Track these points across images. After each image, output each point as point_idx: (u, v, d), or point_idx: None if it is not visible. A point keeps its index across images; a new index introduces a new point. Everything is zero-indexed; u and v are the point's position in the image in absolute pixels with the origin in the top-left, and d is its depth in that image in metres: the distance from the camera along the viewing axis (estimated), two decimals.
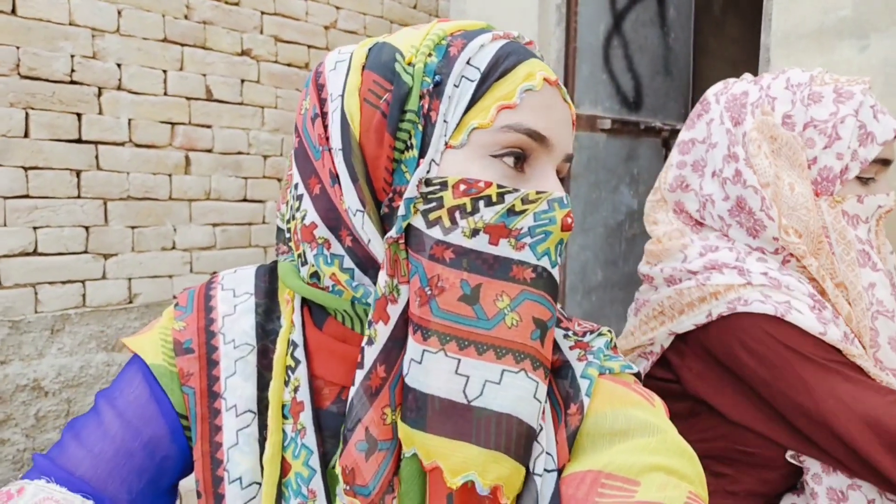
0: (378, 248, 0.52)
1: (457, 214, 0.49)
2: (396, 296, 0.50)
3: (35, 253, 1.99)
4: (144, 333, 0.61)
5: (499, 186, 0.50)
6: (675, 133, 3.05)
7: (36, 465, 0.54)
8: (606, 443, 0.50)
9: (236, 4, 2.39)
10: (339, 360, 0.55)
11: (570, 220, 0.51)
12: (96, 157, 2.09)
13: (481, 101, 0.51)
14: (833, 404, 0.78)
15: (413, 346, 0.49)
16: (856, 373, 0.82)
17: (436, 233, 0.49)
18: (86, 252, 2.09)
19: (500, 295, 0.49)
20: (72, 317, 2.08)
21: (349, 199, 0.52)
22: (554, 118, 0.53)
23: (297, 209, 0.55)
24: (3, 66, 1.89)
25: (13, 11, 1.90)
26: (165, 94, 2.23)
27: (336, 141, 0.53)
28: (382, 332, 0.50)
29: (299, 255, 0.56)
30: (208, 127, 2.34)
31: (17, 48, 1.91)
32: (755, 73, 2.03)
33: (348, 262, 0.53)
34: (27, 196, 1.96)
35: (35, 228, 1.98)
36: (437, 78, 0.52)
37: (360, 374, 0.50)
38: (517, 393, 0.47)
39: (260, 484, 0.54)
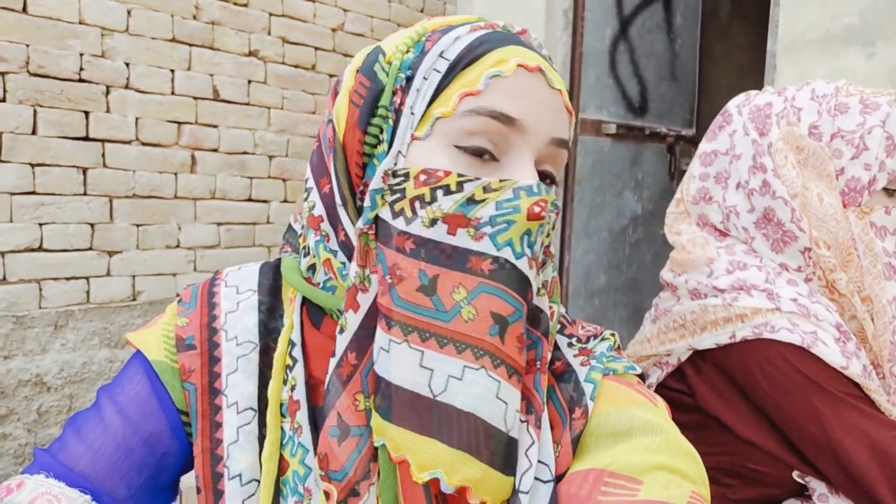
0: (355, 240, 0.53)
1: (417, 205, 0.49)
2: (367, 285, 0.50)
3: (40, 249, 2.00)
4: (147, 329, 0.61)
5: (458, 175, 0.49)
6: (680, 138, 3.06)
7: (36, 459, 0.55)
8: (609, 442, 0.50)
9: (245, 5, 2.40)
10: None
11: (537, 209, 0.48)
12: (103, 154, 2.10)
13: (446, 90, 0.51)
14: (842, 435, 0.79)
15: (380, 335, 0.49)
16: (870, 407, 0.82)
17: (399, 223, 0.49)
18: (91, 249, 2.10)
19: (457, 287, 0.47)
20: (75, 313, 2.09)
21: (336, 195, 0.54)
22: (528, 101, 0.51)
23: (307, 201, 0.57)
24: (12, 63, 1.90)
25: (24, 9, 1.92)
26: (173, 93, 2.24)
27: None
28: (353, 320, 0.51)
29: (304, 247, 0.57)
30: (215, 127, 2.36)
31: (27, 46, 1.93)
32: (761, 80, 2.03)
33: (341, 257, 0.54)
34: (34, 192, 1.98)
35: (41, 225, 1.99)
36: (409, 73, 0.53)
37: (332, 363, 0.51)
38: (478, 391, 0.46)
39: (259, 481, 0.54)
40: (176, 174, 2.28)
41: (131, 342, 0.60)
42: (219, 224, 2.40)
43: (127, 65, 2.13)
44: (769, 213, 0.89)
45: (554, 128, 0.53)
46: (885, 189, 0.88)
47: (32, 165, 1.97)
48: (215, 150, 2.36)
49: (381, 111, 0.53)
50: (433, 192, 0.49)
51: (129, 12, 2.12)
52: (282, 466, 0.54)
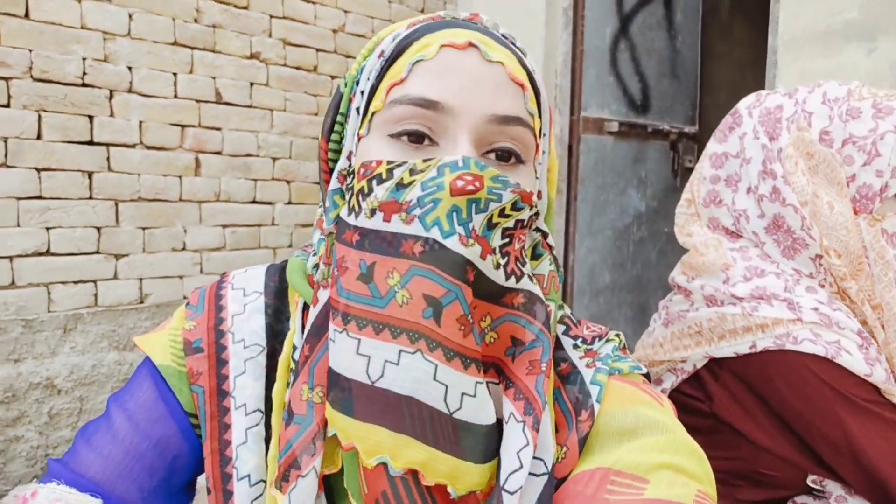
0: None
1: (360, 198, 0.50)
2: (329, 282, 0.52)
3: (48, 253, 2.01)
4: (156, 333, 0.62)
5: (388, 162, 0.49)
6: (682, 135, 3.06)
7: (49, 470, 0.56)
8: (615, 441, 0.50)
9: (245, 8, 2.41)
10: None
11: (461, 183, 0.46)
12: (108, 158, 2.11)
13: (379, 86, 0.53)
14: (865, 443, 0.79)
15: (330, 326, 0.50)
16: (893, 413, 0.82)
17: (350, 219, 0.50)
18: (97, 252, 2.11)
19: (391, 272, 0.47)
20: (84, 316, 2.10)
21: (321, 200, 0.57)
22: (455, 80, 0.50)
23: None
24: (16, 68, 1.91)
25: (26, 15, 1.92)
26: (175, 96, 2.25)
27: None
28: (312, 314, 0.52)
29: (312, 245, 0.59)
30: (218, 129, 2.36)
31: (30, 51, 1.93)
32: (763, 76, 2.03)
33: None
34: (40, 197, 1.98)
35: (48, 229, 2.00)
36: (358, 78, 0.55)
37: (295, 354, 0.53)
38: (415, 374, 0.46)
39: (266, 482, 0.55)
40: (180, 177, 2.28)
41: (139, 346, 0.60)
42: (224, 226, 2.41)
43: (129, 69, 2.14)
44: (779, 220, 0.88)
45: (491, 104, 0.50)
46: None
47: (38, 170, 1.98)
48: (219, 153, 2.37)
49: (339, 118, 0.56)
50: (369, 183, 0.49)
51: (130, 16, 2.13)
52: None
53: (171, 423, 0.57)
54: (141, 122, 2.17)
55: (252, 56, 2.44)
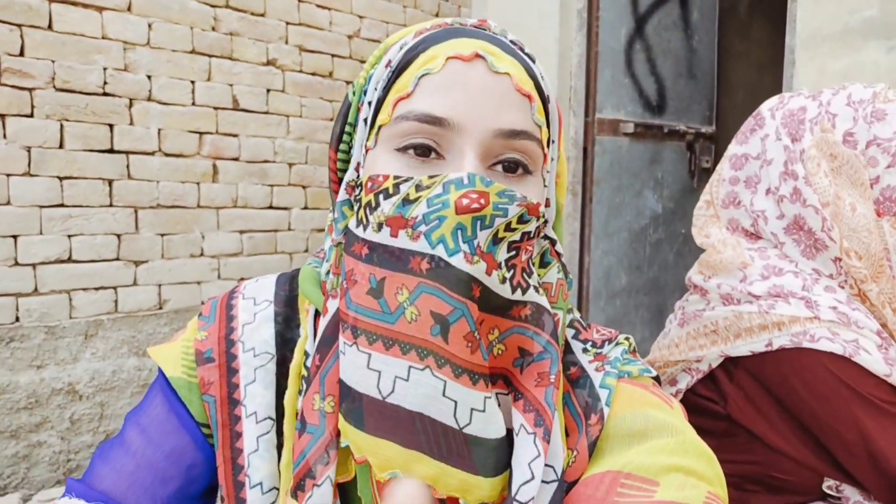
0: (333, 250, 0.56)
1: (367, 211, 0.50)
2: (339, 292, 0.52)
3: (69, 260, 2.05)
4: (169, 344, 0.63)
5: (395, 177, 0.50)
6: (699, 136, 3.03)
7: (66, 487, 0.58)
8: (625, 444, 0.50)
9: (262, 15, 2.44)
10: None
11: (466, 202, 0.46)
12: (127, 166, 2.15)
13: (386, 99, 0.53)
14: (883, 445, 0.78)
15: (340, 338, 0.50)
16: None
17: (359, 231, 0.51)
18: (118, 259, 2.15)
19: (401, 288, 0.47)
20: (104, 322, 2.13)
21: (331, 210, 0.58)
22: (460, 96, 0.50)
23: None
24: (39, 79, 1.96)
25: (49, 27, 1.97)
26: (193, 104, 2.28)
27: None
28: (322, 324, 0.53)
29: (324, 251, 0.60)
30: (235, 136, 2.39)
31: (53, 62, 1.98)
32: (781, 76, 2.01)
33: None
34: (62, 205, 2.02)
35: (69, 236, 2.04)
36: (366, 88, 0.55)
37: (307, 361, 0.54)
38: (425, 391, 0.46)
39: (279, 489, 0.55)
40: (198, 184, 2.32)
41: (152, 357, 0.61)
42: (241, 232, 2.44)
43: (149, 77, 2.17)
44: (799, 221, 0.87)
45: (497, 119, 0.50)
46: None
47: (60, 179, 2.02)
48: (236, 159, 2.40)
49: (348, 128, 0.56)
50: (376, 197, 0.50)
51: (150, 26, 2.16)
52: None
53: (184, 434, 0.58)
54: (160, 130, 2.21)
55: (268, 63, 2.46)
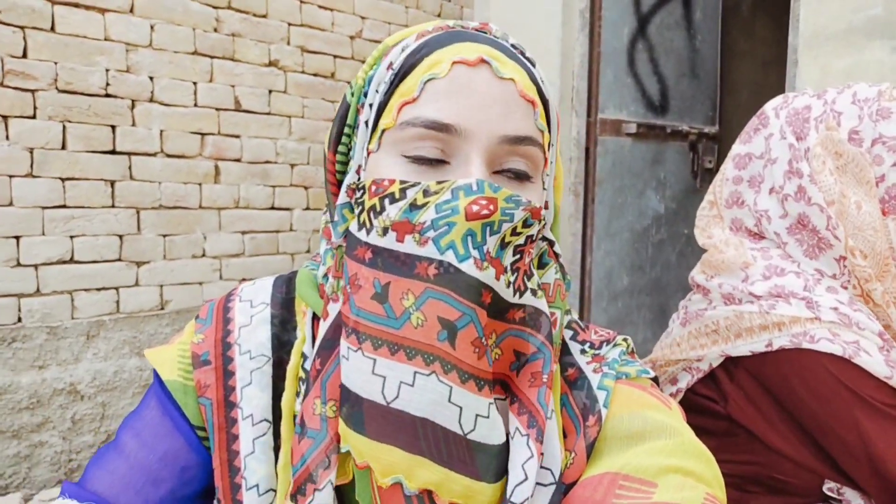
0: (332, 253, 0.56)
1: (371, 215, 0.50)
2: (339, 296, 0.52)
3: (72, 261, 2.06)
4: (165, 347, 0.63)
5: (401, 182, 0.49)
6: (702, 136, 3.02)
7: (62, 490, 0.58)
8: (623, 445, 0.51)
9: (264, 16, 2.44)
10: None
11: (476, 208, 0.46)
12: (129, 167, 2.15)
13: (390, 101, 0.52)
14: (883, 449, 0.77)
15: (342, 343, 0.50)
16: None
17: (362, 235, 0.50)
18: (119, 260, 2.16)
19: (406, 293, 0.47)
20: (106, 323, 2.14)
21: (327, 212, 0.57)
22: (466, 102, 0.50)
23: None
24: (41, 80, 1.96)
25: (52, 28, 1.97)
26: (196, 105, 2.29)
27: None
28: (323, 328, 0.53)
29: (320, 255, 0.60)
30: (237, 137, 2.40)
31: (55, 63, 1.98)
32: (784, 75, 2.00)
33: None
34: (64, 206, 2.03)
35: (72, 237, 2.05)
36: (366, 89, 0.55)
37: (305, 363, 0.54)
38: (431, 396, 0.46)
39: (275, 491, 0.55)
40: (200, 184, 2.32)
41: (149, 359, 0.62)
42: (243, 233, 2.44)
43: (151, 79, 2.18)
44: (804, 220, 0.87)
45: (502, 125, 0.51)
46: None
47: (62, 180, 2.02)
48: (238, 160, 2.40)
49: (346, 130, 0.56)
50: (382, 202, 0.50)
51: (152, 27, 2.17)
52: None
53: (178, 437, 0.58)
54: (162, 131, 2.21)
55: (270, 64, 2.47)
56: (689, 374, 0.93)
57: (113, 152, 2.12)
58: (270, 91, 2.47)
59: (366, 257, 0.49)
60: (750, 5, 3.79)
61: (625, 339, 0.60)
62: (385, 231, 0.49)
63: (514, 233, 0.49)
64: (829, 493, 0.84)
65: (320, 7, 2.59)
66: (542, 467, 0.49)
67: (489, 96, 0.50)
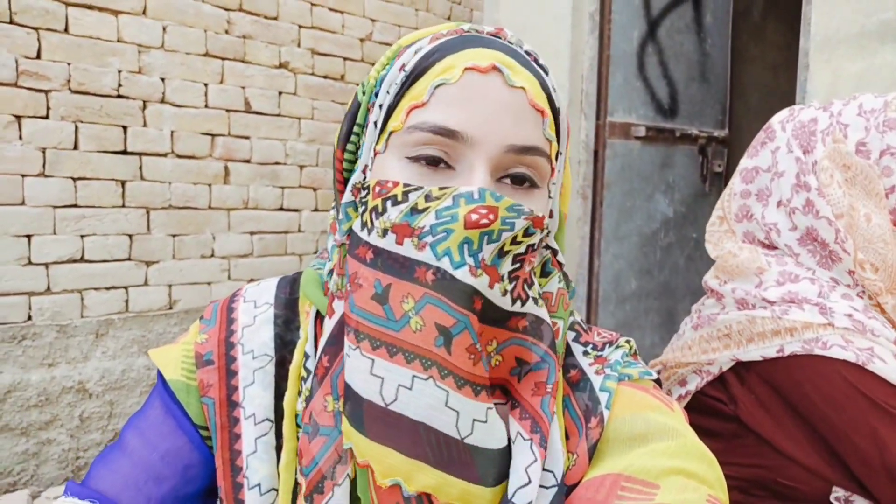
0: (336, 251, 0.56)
1: (373, 216, 0.50)
2: (344, 293, 0.52)
3: (82, 260, 2.07)
4: (170, 346, 0.63)
5: (404, 185, 0.50)
6: (712, 140, 3.00)
7: (66, 489, 0.58)
8: (626, 447, 0.51)
9: (275, 19, 2.45)
10: None
11: (475, 217, 0.47)
12: (140, 167, 2.17)
13: (399, 104, 0.52)
14: None
15: (345, 341, 0.50)
16: None
17: (364, 234, 0.51)
18: (129, 259, 2.17)
19: (406, 297, 0.47)
20: (115, 322, 2.16)
21: (333, 209, 0.58)
22: (477, 108, 0.50)
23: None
24: (55, 81, 1.98)
25: (65, 30, 2.00)
26: (206, 106, 2.30)
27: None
28: (328, 325, 0.53)
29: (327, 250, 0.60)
30: (247, 138, 2.41)
31: (69, 64, 2.00)
32: (795, 79, 1.99)
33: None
34: (75, 206, 2.05)
35: (82, 236, 2.07)
36: (377, 89, 0.55)
37: (311, 364, 0.54)
38: (428, 401, 0.46)
39: (278, 490, 0.56)
40: (210, 185, 2.33)
41: (153, 359, 0.62)
42: (252, 233, 2.45)
43: (162, 80, 2.20)
44: (812, 233, 0.86)
45: (510, 134, 0.50)
46: None
47: (74, 179, 2.04)
48: (247, 161, 2.42)
49: (356, 129, 0.56)
50: (384, 203, 0.50)
51: (164, 29, 2.18)
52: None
53: (180, 435, 0.58)
54: (172, 132, 2.23)
55: (281, 65, 2.48)
56: (698, 376, 0.92)
57: (124, 153, 2.13)
58: (280, 93, 2.49)
59: (367, 257, 0.50)
60: (761, 9, 3.77)
61: (627, 341, 0.60)
62: (385, 232, 0.49)
63: (515, 242, 0.49)
64: (836, 502, 0.84)
65: (331, 9, 2.60)
66: (544, 469, 0.49)
67: (499, 104, 0.50)
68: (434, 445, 0.46)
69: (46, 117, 1.98)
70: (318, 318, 0.58)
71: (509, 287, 0.49)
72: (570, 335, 0.59)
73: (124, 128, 2.13)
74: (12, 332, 1.95)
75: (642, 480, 0.47)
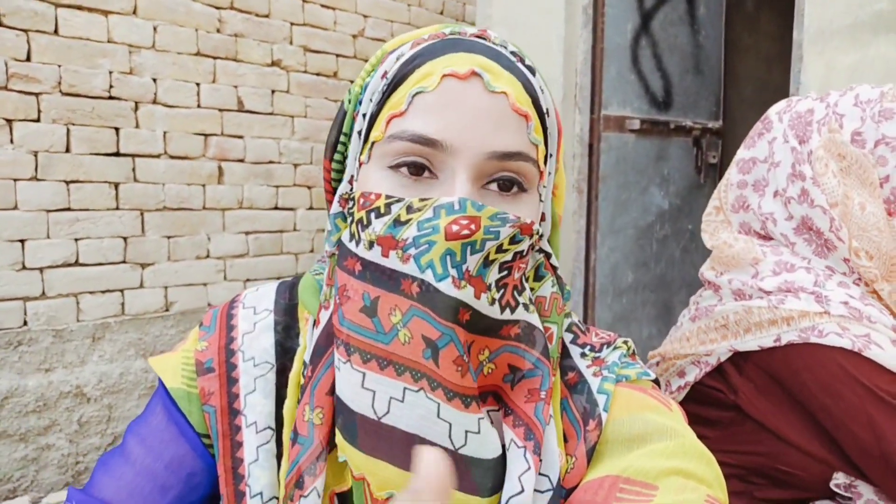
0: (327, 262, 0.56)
1: (359, 228, 0.50)
2: (331, 303, 0.53)
3: (76, 263, 2.06)
4: (170, 354, 0.63)
5: (386, 197, 0.49)
6: (706, 131, 3.00)
7: (68, 496, 0.58)
8: (624, 448, 0.51)
9: (266, 16, 2.44)
10: None
11: (456, 228, 0.46)
12: (133, 169, 2.16)
13: (380, 113, 0.52)
14: None
15: (335, 354, 0.50)
16: None
17: (352, 246, 0.51)
18: (124, 262, 2.16)
19: (394, 309, 0.47)
20: (112, 325, 2.15)
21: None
22: (454, 117, 0.49)
23: None
24: (45, 83, 1.97)
25: (55, 31, 1.98)
26: (199, 106, 2.29)
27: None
28: (315, 334, 0.54)
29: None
30: (240, 137, 2.40)
31: (59, 66, 1.99)
32: (790, 70, 1.99)
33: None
34: (69, 209, 2.04)
35: (76, 240, 2.06)
36: (361, 97, 0.54)
37: (305, 371, 0.54)
38: (420, 412, 0.46)
39: (278, 499, 0.55)
40: (204, 185, 2.32)
41: (153, 367, 0.62)
42: (247, 233, 2.45)
43: (154, 80, 2.18)
44: (808, 222, 0.87)
45: (491, 140, 0.49)
46: None
47: (67, 182, 2.03)
48: (241, 161, 2.41)
49: (342, 138, 0.56)
50: (368, 215, 0.49)
51: (155, 28, 2.17)
52: None
53: (183, 443, 0.58)
54: (165, 133, 2.22)
55: (273, 63, 2.47)
56: (697, 367, 0.93)
57: (117, 154, 2.12)
58: (273, 91, 2.47)
59: (355, 269, 0.49)
60: (754, 0, 3.76)
61: (625, 342, 0.60)
62: (371, 245, 0.49)
63: (501, 250, 0.48)
64: (838, 490, 0.84)
65: (322, 6, 2.59)
66: (539, 474, 0.49)
67: (479, 111, 0.49)
68: None
69: (38, 120, 1.96)
70: (316, 325, 0.58)
71: (497, 296, 0.49)
72: (568, 337, 0.59)
73: (116, 129, 2.11)
74: (8, 337, 1.95)
75: (641, 482, 0.47)
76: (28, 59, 1.94)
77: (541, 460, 0.49)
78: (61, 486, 2.07)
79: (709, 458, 0.50)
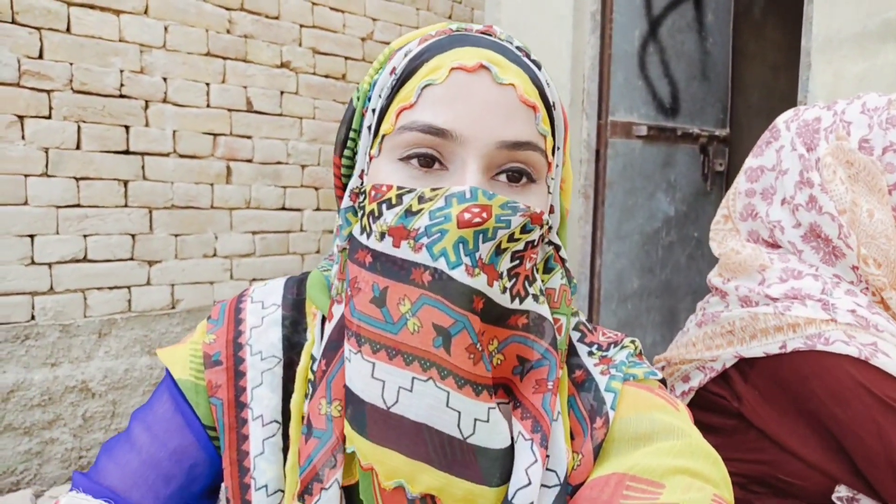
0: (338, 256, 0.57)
1: (370, 220, 0.51)
2: (343, 297, 0.53)
3: (85, 260, 2.08)
4: (177, 346, 0.63)
5: (398, 188, 0.50)
6: (713, 139, 3.00)
7: (73, 481, 0.58)
8: (631, 446, 0.51)
9: (276, 18, 2.45)
10: None
11: (468, 216, 0.47)
12: (142, 167, 2.17)
13: (390, 107, 0.53)
14: None
15: (346, 345, 0.51)
16: None
17: (363, 239, 0.51)
18: (132, 259, 2.17)
19: (403, 299, 0.47)
20: (118, 321, 2.16)
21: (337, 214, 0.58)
22: (464, 107, 0.50)
23: None
24: (57, 81, 1.98)
25: (68, 30, 2.00)
26: (208, 106, 2.30)
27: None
28: (328, 329, 0.54)
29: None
30: (249, 138, 2.41)
31: (71, 64, 2.01)
32: (797, 78, 1.99)
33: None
34: (78, 205, 2.05)
35: (85, 236, 2.07)
36: (370, 94, 0.55)
37: (313, 365, 0.55)
38: (429, 402, 0.46)
39: (284, 492, 0.56)
40: (212, 185, 2.34)
41: (161, 359, 0.62)
42: (254, 233, 2.46)
43: (164, 80, 2.20)
44: (816, 229, 0.87)
45: (501, 131, 0.50)
46: None
47: (77, 179, 2.04)
48: (249, 161, 2.42)
49: (352, 134, 0.57)
50: (380, 207, 0.50)
51: (166, 28, 2.19)
52: None
53: (188, 434, 0.58)
54: (174, 132, 2.23)
55: (282, 65, 2.48)
56: (701, 373, 0.93)
57: (126, 152, 2.14)
58: (282, 92, 2.49)
59: (366, 261, 0.50)
60: (762, 8, 3.77)
61: (632, 341, 0.60)
62: (382, 236, 0.49)
63: (512, 239, 0.49)
64: (838, 502, 0.84)
65: (332, 9, 2.60)
66: (547, 469, 0.49)
67: (487, 102, 0.50)
68: (437, 446, 0.47)
69: (49, 117, 1.98)
70: (325, 320, 0.59)
71: (509, 284, 0.49)
72: (575, 335, 0.59)
73: (126, 128, 2.13)
74: (15, 331, 1.96)
75: (647, 480, 0.47)
76: (40, 56, 1.96)
77: (548, 454, 0.50)
78: (64, 479, 2.08)
79: (715, 458, 0.51)
